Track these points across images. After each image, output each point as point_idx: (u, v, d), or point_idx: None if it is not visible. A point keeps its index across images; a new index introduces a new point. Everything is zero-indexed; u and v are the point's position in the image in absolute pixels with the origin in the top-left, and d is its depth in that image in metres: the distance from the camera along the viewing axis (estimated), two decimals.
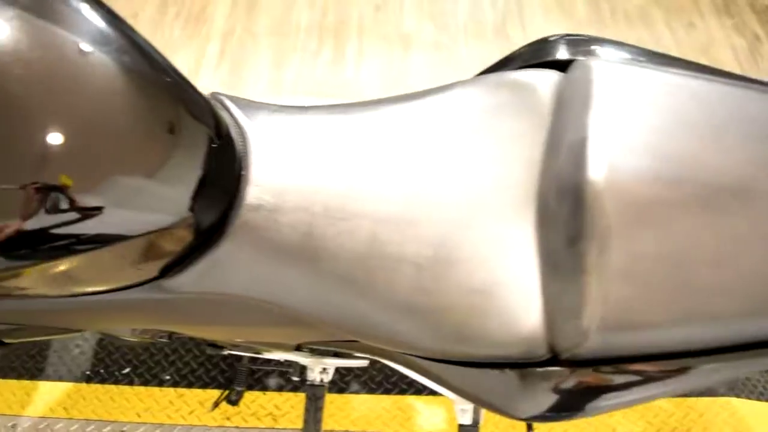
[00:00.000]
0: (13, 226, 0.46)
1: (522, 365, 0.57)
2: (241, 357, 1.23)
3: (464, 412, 0.92)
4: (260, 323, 0.72)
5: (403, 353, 0.66)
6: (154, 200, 0.53)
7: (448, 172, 0.61)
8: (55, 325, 0.78)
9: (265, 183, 0.61)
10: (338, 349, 0.88)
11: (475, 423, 0.93)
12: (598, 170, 0.53)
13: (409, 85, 1.72)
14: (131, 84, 0.51)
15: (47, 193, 0.46)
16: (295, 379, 1.06)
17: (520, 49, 0.74)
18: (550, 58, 0.69)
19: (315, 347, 0.91)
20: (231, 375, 1.33)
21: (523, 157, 0.61)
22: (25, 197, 0.46)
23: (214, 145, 0.58)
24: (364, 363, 0.99)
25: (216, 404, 1.18)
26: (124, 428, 1.30)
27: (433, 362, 0.63)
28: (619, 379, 0.56)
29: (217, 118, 0.61)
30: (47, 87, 0.47)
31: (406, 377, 1.31)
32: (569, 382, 0.57)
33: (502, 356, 0.57)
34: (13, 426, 1.33)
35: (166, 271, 0.60)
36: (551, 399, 0.58)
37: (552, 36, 0.73)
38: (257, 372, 1.29)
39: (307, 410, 1.07)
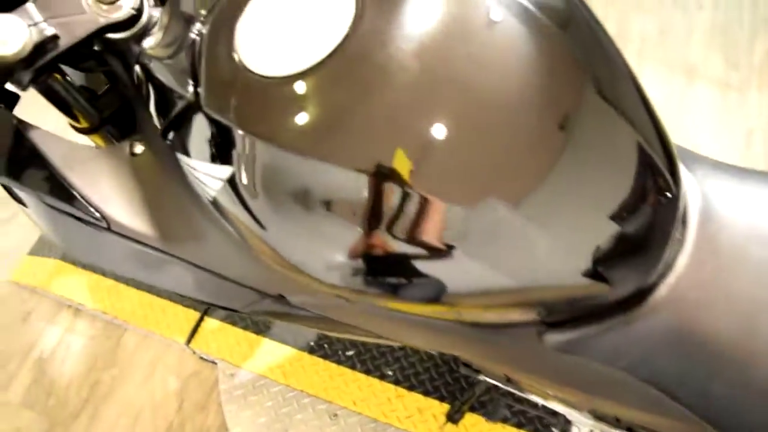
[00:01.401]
0: (362, 239, 0.40)
1: None
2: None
3: None
4: (616, 399, 0.61)
5: None
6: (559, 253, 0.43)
7: None
8: (372, 331, 0.71)
9: (704, 254, 0.50)
10: None
11: None
12: None
13: (688, 121, 1.54)
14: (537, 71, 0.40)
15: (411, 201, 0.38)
16: (555, 431, 0.95)
17: None
18: None
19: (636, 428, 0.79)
20: (455, 389, 1.25)
21: None
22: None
23: (669, 195, 0.47)
24: None
25: (448, 419, 1.10)
26: (338, 412, 1.27)
27: None
28: None
29: (673, 160, 0.49)
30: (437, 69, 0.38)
31: None
32: None
33: None
34: (232, 375, 1.33)
35: (550, 324, 0.51)
36: None
37: None
38: (486, 395, 1.20)
39: None
